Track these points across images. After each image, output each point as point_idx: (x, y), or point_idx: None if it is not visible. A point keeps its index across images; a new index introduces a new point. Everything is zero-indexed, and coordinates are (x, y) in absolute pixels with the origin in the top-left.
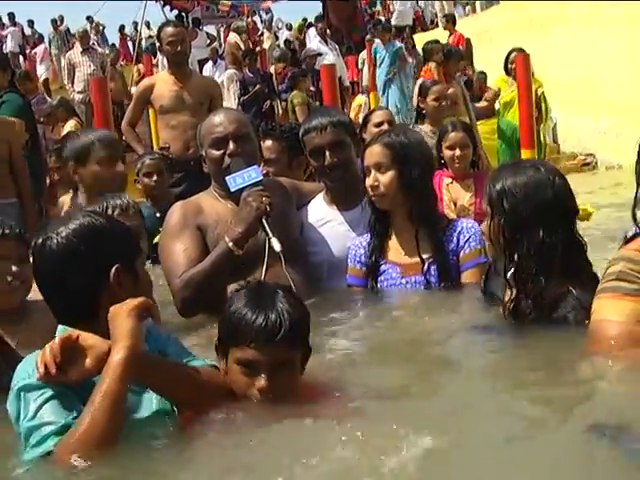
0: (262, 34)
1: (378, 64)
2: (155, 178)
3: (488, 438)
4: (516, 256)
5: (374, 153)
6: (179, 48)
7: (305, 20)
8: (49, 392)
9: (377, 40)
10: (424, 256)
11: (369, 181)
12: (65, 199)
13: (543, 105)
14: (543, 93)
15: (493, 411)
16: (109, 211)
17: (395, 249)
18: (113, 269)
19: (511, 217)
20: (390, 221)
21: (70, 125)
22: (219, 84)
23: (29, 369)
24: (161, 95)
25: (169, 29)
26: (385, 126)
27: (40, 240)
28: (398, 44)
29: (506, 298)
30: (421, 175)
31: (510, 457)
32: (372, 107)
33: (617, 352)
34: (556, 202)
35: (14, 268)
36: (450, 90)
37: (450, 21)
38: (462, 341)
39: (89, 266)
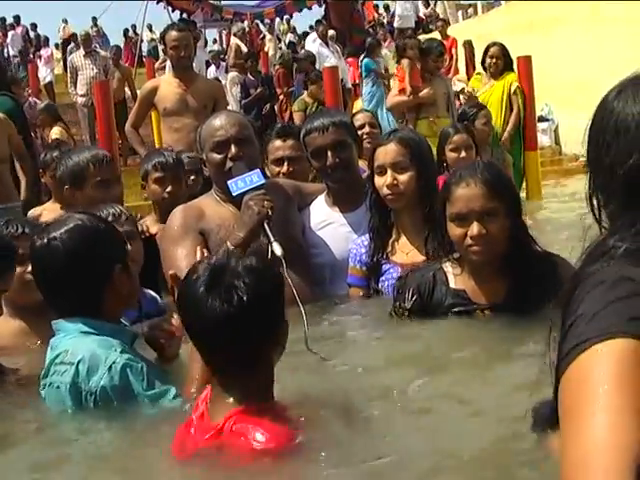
0: (264, 37)
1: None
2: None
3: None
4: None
5: (390, 151)
6: (183, 53)
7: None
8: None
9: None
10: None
11: (386, 180)
12: (48, 207)
13: (519, 101)
14: (518, 88)
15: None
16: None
17: (398, 249)
18: (116, 269)
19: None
20: (395, 221)
21: (55, 132)
22: (223, 86)
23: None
24: (165, 97)
25: (173, 33)
26: (367, 129)
27: (44, 241)
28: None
29: None
30: (434, 174)
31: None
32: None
33: None
34: None
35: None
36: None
37: (444, 26)
38: (465, 344)
39: (92, 266)
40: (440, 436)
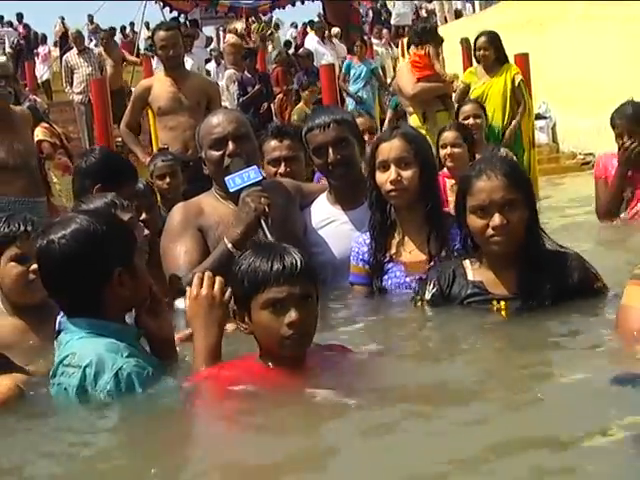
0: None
1: (352, 80)
2: (168, 180)
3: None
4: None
5: (395, 147)
6: (171, 52)
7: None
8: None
9: (350, 56)
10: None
11: (389, 175)
12: None
13: (525, 95)
14: (522, 81)
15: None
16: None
17: (399, 247)
18: (115, 273)
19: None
20: (395, 219)
21: (37, 133)
22: (216, 83)
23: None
24: (159, 97)
25: (161, 33)
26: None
27: (44, 243)
28: (374, 63)
29: None
30: (436, 172)
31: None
32: None
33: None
34: None
35: (35, 265)
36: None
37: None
38: (467, 343)
39: (91, 269)
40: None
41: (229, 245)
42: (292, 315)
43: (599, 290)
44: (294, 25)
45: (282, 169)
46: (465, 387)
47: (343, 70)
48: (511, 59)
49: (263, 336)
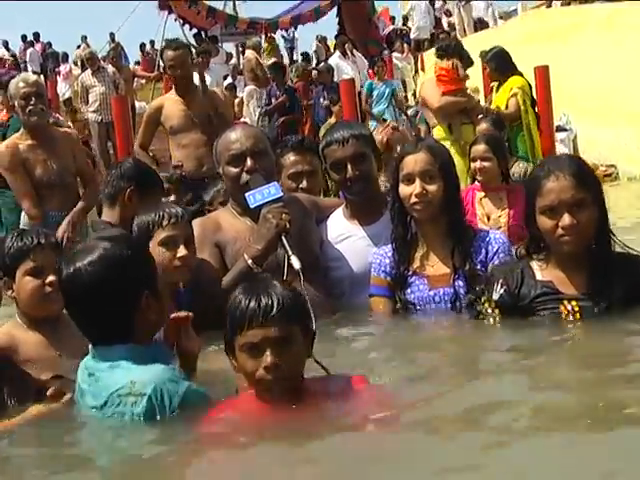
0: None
1: (375, 101)
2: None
3: None
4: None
5: (420, 160)
6: (179, 72)
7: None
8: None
9: (371, 73)
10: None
11: (414, 189)
12: None
13: (520, 101)
14: (520, 90)
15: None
16: (164, 222)
17: (422, 260)
18: (143, 296)
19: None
20: (417, 232)
21: None
22: (221, 92)
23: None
24: (171, 116)
25: (169, 52)
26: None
27: (70, 271)
28: (394, 83)
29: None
30: (459, 186)
31: None
32: None
33: None
34: None
35: (51, 278)
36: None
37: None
38: (490, 358)
39: (120, 294)
40: None
41: (249, 261)
42: (267, 360)
43: None
44: (319, 39)
45: (304, 183)
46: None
47: (365, 91)
48: (531, 71)
49: (245, 377)
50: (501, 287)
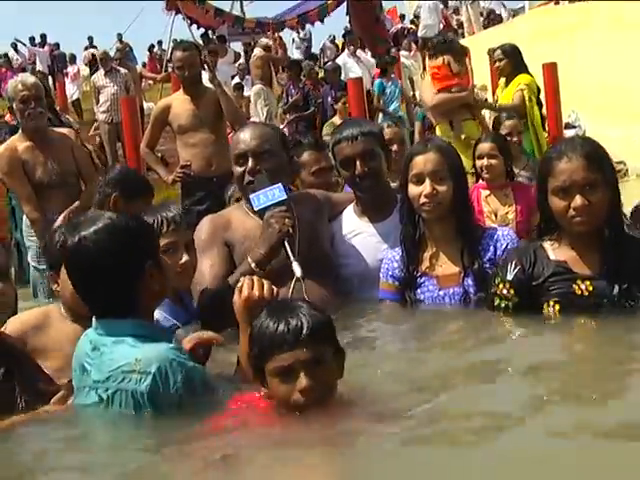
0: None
1: (388, 100)
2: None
3: None
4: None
5: (430, 160)
6: (187, 73)
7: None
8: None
9: (378, 72)
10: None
11: (424, 189)
12: None
13: (526, 97)
14: (526, 86)
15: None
16: (164, 228)
17: (431, 260)
18: (147, 266)
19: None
20: (426, 232)
21: None
22: (229, 91)
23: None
24: (178, 115)
25: (178, 53)
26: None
27: (75, 240)
28: (398, 81)
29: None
30: (467, 185)
31: None
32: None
33: None
34: None
35: None
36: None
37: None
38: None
39: (126, 264)
40: None
41: (252, 265)
42: (302, 383)
43: None
44: (330, 38)
45: (328, 179)
46: None
47: (376, 90)
48: (540, 68)
49: (278, 401)
50: (515, 267)
